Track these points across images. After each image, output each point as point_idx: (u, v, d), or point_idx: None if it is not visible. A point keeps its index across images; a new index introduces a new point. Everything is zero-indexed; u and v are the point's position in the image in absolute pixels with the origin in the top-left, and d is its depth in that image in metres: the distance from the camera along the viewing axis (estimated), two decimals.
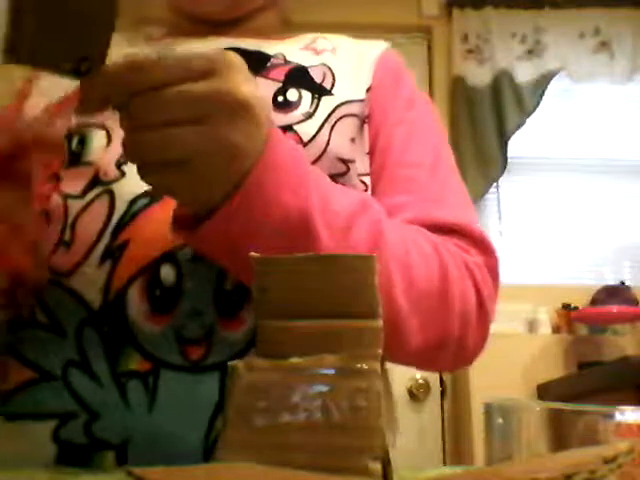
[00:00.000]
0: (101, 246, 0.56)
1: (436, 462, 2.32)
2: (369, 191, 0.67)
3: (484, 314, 0.61)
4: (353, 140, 0.66)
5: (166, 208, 0.54)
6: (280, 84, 0.66)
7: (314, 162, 0.62)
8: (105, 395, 0.53)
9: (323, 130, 0.63)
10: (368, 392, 0.29)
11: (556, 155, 2.74)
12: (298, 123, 0.63)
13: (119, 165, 0.59)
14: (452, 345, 0.59)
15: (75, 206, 0.58)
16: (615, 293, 2.40)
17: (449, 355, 0.60)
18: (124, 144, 0.45)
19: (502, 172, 2.59)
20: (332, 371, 0.30)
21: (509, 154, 2.59)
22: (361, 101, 0.68)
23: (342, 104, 0.66)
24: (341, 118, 0.65)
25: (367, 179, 0.67)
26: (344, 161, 0.64)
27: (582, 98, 2.79)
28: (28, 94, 0.69)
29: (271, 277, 0.32)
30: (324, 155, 0.62)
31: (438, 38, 2.80)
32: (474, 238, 0.63)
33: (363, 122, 0.68)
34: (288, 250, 0.39)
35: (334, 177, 0.63)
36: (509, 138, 2.60)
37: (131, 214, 0.57)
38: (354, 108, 0.67)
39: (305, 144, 0.62)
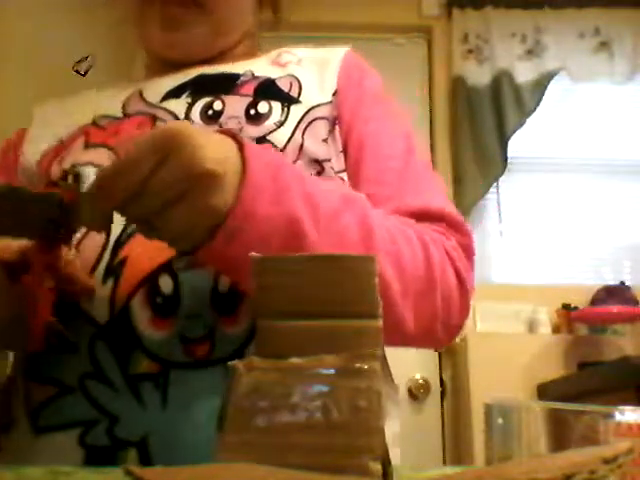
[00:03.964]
0: (103, 265, 0.60)
1: (436, 462, 2.32)
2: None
3: (464, 291, 0.64)
4: (325, 141, 0.70)
5: None
6: (250, 98, 0.70)
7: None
8: (121, 399, 0.57)
9: (295, 135, 0.68)
10: (368, 392, 0.29)
11: (556, 155, 2.74)
12: (271, 133, 0.68)
13: None
14: (439, 323, 0.62)
15: (77, 235, 0.61)
16: (615, 293, 2.40)
17: (438, 332, 0.63)
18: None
19: (502, 172, 2.59)
20: (332, 371, 0.30)
21: (509, 154, 2.59)
22: (329, 103, 0.72)
23: (311, 109, 0.70)
24: (312, 122, 0.70)
25: (344, 175, 0.70)
26: (319, 161, 0.68)
27: (582, 98, 2.79)
28: None
29: (271, 277, 0.32)
30: (299, 158, 0.67)
31: (438, 38, 2.80)
32: (449, 221, 0.67)
33: (334, 124, 0.72)
34: (283, 252, 0.44)
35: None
36: (509, 138, 2.60)
37: (127, 234, 0.61)
38: (323, 111, 0.71)
39: (280, 151, 0.66)
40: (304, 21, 2.76)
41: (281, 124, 0.68)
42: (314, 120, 0.70)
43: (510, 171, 2.62)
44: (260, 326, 0.33)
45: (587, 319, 2.39)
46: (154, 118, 0.70)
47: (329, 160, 0.68)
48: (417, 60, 2.81)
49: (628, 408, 0.36)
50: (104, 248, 0.61)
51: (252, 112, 0.69)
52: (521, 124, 2.62)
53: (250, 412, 0.30)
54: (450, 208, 0.69)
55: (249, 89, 0.72)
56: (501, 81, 2.66)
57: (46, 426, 0.57)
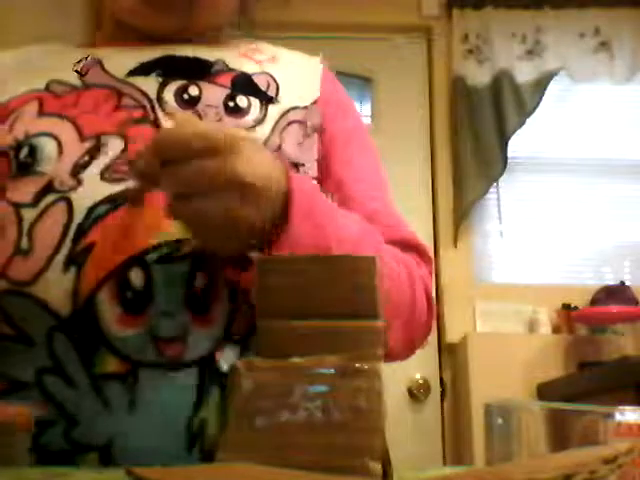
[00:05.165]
0: (64, 251, 0.56)
1: (436, 462, 2.32)
2: None
3: (431, 310, 0.70)
4: (300, 144, 0.69)
5: (129, 214, 0.57)
6: (228, 90, 0.68)
7: None
8: (83, 400, 0.53)
9: (273, 136, 0.66)
10: (368, 392, 0.29)
11: (556, 155, 2.74)
12: (249, 129, 0.66)
13: (75, 174, 0.59)
14: (416, 341, 0.70)
15: (29, 214, 0.57)
16: (615, 293, 2.40)
17: (414, 349, 0.71)
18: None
19: (502, 172, 2.59)
20: (332, 371, 0.30)
21: (509, 154, 2.59)
22: (305, 108, 0.71)
23: (288, 110, 0.69)
24: (289, 124, 0.69)
25: (314, 182, 0.70)
26: (295, 164, 0.67)
27: (582, 98, 2.79)
28: None
29: (272, 277, 0.32)
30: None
31: (438, 38, 2.80)
32: (420, 251, 0.72)
33: (314, 130, 0.71)
34: None
35: None
36: (509, 138, 2.60)
37: (92, 219, 0.57)
38: (299, 115, 0.70)
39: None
40: (304, 21, 2.76)
41: (259, 122, 0.67)
42: (291, 123, 0.69)
43: (510, 171, 2.62)
44: (260, 326, 0.33)
45: (587, 319, 2.39)
46: (119, 93, 0.66)
47: (303, 165, 0.68)
48: (417, 60, 2.81)
49: (628, 408, 0.36)
50: (65, 233, 0.56)
51: (231, 104, 0.67)
52: (521, 124, 2.62)
53: (250, 412, 0.30)
54: (418, 237, 0.74)
55: (225, 80, 0.70)
56: (501, 81, 2.66)
57: None
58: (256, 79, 0.71)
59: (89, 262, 0.55)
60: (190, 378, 0.54)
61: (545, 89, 2.67)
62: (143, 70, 0.69)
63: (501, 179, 2.61)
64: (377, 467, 0.28)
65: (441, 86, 2.75)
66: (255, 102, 0.68)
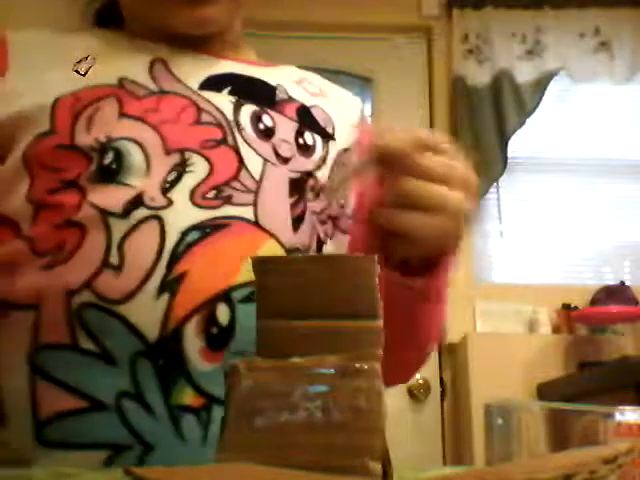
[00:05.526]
0: (157, 276, 0.54)
1: (436, 462, 2.32)
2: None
3: None
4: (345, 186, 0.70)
5: (217, 245, 0.57)
6: (297, 124, 0.67)
7: (324, 207, 0.66)
8: (160, 428, 0.53)
9: (331, 179, 0.67)
10: (368, 392, 0.29)
11: (556, 155, 2.74)
12: (317, 169, 0.66)
13: (164, 191, 0.58)
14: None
15: (119, 226, 0.56)
16: (615, 293, 2.40)
17: None
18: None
19: (502, 172, 2.59)
20: (332, 371, 0.30)
21: (509, 154, 2.59)
22: (348, 150, 0.70)
23: (342, 150, 0.69)
24: (341, 165, 0.68)
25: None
26: (341, 206, 0.69)
27: (582, 98, 2.79)
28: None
29: (271, 277, 0.32)
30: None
31: (438, 38, 2.80)
32: None
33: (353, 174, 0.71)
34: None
35: (334, 219, 0.68)
36: (509, 138, 2.60)
37: (185, 245, 0.56)
38: (347, 157, 0.70)
39: (320, 190, 0.65)
40: (304, 21, 2.76)
41: (323, 161, 0.67)
42: (344, 164, 0.68)
43: (510, 171, 2.62)
44: (260, 326, 0.33)
45: (587, 319, 2.39)
46: (197, 106, 0.63)
47: (346, 206, 0.69)
48: (417, 60, 2.81)
49: (628, 408, 0.36)
50: (158, 256, 0.55)
51: (301, 141, 0.66)
52: (521, 124, 2.62)
53: (250, 412, 0.30)
54: None
55: (291, 112, 0.68)
56: (501, 81, 2.66)
57: (61, 442, 0.52)
58: (314, 112, 0.70)
59: (181, 291, 0.55)
60: None
61: (545, 89, 2.67)
62: (214, 85, 0.66)
63: (501, 179, 2.61)
64: (377, 467, 0.28)
65: (441, 86, 2.75)
66: (318, 140, 0.68)
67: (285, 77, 0.72)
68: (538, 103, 2.65)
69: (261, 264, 0.33)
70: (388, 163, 0.52)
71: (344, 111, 0.74)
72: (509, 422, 0.37)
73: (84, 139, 0.59)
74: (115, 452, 0.52)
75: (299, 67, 0.78)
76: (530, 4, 2.77)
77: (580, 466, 0.25)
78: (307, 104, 0.70)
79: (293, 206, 0.63)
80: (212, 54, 0.70)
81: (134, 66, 0.65)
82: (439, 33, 2.81)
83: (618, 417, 0.35)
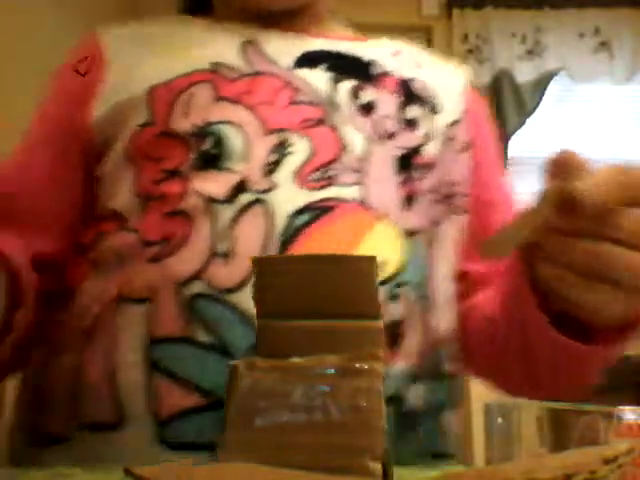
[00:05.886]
0: None
1: None
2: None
3: None
4: (455, 161, 0.65)
5: (326, 229, 0.54)
6: (399, 98, 0.64)
7: (434, 185, 0.62)
8: None
9: (442, 152, 0.63)
10: (368, 392, 0.29)
11: None
12: (422, 145, 0.62)
13: (266, 173, 0.56)
14: None
15: (225, 212, 0.54)
16: None
17: None
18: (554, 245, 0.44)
19: None
20: (332, 371, 0.30)
21: (509, 154, 2.59)
22: (458, 123, 0.67)
23: (450, 124, 0.65)
24: (451, 139, 0.65)
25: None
26: (453, 183, 0.64)
27: (582, 98, 2.79)
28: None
29: (271, 277, 0.32)
30: (441, 178, 0.63)
31: (438, 38, 2.80)
32: None
33: (465, 146, 0.67)
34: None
35: (447, 198, 0.64)
36: (509, 138, 2.60)
37: (293, 229, 0.53)
38: (455, 129, 0.66)
39: (428, 167, 0.62)
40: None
41: (429, 137, 0.63)
42: (453, 138, 0.65)
43: (510, 171, 2.62)
44: (260, 326, 0.33)
45: None
46: (292, 85, 0.62)
47: (459, 184, 0.65)
48: None
49: (628, 408, 0.36)
50: (267, 240, 0.52)
51: (405, 115, 0.63)
52: (521, 124, 2.62)
53: (250, 412, 0.30)
54: None
55: (391, 86, 0.64)
56: (501, 81, 2.66)
57: (182, 443, 0.49)
58: (415, 85, 0.66)
59: None
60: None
61: (545, 89, 2.67)
62: (308, 62, 0.64)
63: None
64: (377, 467, 0.28)
65: None
66: (422, 113, 0.64)
67: (381, 50, 0.68)
68: (538, 103, 2.65)
69: (261, 264, 0.33)
70: (578, 216, 0.41)
71: (447, 81, 0.70)
72: (509, 422, 0.37)
73: (182, 125, 0.58)
74: None
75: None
76: (530, 4, 2.77)
77: (580, 466, 0.25)
78: (406, 77, 0.66)
79: (401, 184, 0.60)
80: (302, 32, 0.68)
81: (226, 50, 0.64)
82: (439, 33, 2.81)
83: (618, 417, 0.35)
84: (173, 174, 0.57)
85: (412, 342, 0.55)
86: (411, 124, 0.63)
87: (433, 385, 0.56)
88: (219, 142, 0.57)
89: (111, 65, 0.64)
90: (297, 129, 0.59)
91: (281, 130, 0.58)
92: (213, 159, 0.57)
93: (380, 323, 0.31)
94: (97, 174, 0.62)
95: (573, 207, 0.41)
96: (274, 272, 0.32)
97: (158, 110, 0.60)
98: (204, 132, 0.58)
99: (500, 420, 0.37)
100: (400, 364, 0.53)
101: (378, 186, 0.58)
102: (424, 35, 2.85)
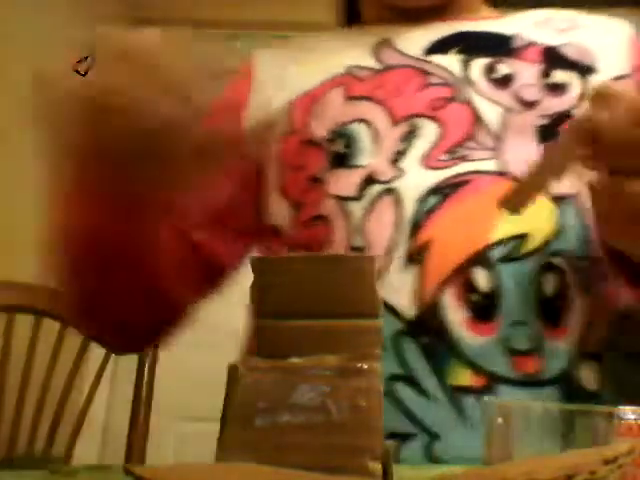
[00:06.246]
0: (400, 249, 0.52)
1: None
2: None
3: None
4: None
5: (460, 206, 0.52)
6: (541, 66, 0.62)
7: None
8: (441, 413, 0.48)
9: None
10: (368, 392, 0.29)
11: None
12: (574, 108, 0.59)
13: (394, 162, 0.56)
14: None
15: (355, 208, 0.55)
16: None
17: None
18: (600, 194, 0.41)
19: None
20: (332, 371, 0.30)
21: None
22: (621, 78, 0.63)
23: (613, 80, 0.62)
24: None
25: None
26: None
27: None
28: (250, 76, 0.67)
29: (271, 277, 0.32)
30: None
31: None
32: None
33: None
34: None
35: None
36: None
37: (424, 212, 0.53)
38: (624, 85, 0.61)
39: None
40: (305, 21, 2.76)
41: (582, 98, 0.59)
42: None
43: None
44: (260, 326, 0.33)
45: None
46: (423, 72, 0.62)
47: None
48: None
49: (628, 408, 0.36)
50: (397, 228, 0.52)
51: (549, 81, 0.61)
52: None
53: (250, 412, 0.30)
54: None
55: (533, 55, 0.63)
56: None
57: None
58: (564, 49, 0.64)
59: (429, 261, 0.51)
60: (550, 398, 0.48)
61: None
62: (440, 48, 0.64)
63: None
64: (377, 467, 0.28)
65: None
66: (573, 76, 0.62)
67: (524, 23, 0.68)
68: None
69: (261, 264, 0.33)
70: (602, 149, 0.40)
71: (608, 37, 0.68)
72: (509, 422, 0.37)
73: (318, 131, 0.60)
74: (402, 441, 0.47)
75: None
76: (530, 4, 2.77)
77: (580, 466, 0.25)
78: (554, 43, 0.65)
79: None
80: (438, 21, 0.67)
81: (360, 52, 0.65)
82: None
83: (618, 417, 0.35)
84: (314, 180, 0.58)
85: (575, 316, 0.51)
86: (557, 89, 0.60)
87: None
88: (350, 141, 0.58)
89: (260, 83, 0.67)
90: (425, 113, 0.58)
91: (410, 117, 0.58)
92: (344, 159, 0.58)
93: (379, 323, 0.31)
94: (258, 187, 0.64)
95: (593, 139, 0.39)
96: (274, 272, 0.32)
97: (297, 119, 0.62)
98: (336, 134, 0.59)
99: (500, 420, 0.37)
100: (565, 341, 0.50)
101: (518, 155, 0.56)
102: None
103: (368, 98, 0.61)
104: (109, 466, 0.51)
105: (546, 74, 0.61)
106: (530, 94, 0.60)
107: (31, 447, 1.30)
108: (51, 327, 1.37)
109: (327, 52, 0.68)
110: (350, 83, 0.63)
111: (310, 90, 0.63)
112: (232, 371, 0.31)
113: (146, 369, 1.34)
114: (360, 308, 0.31)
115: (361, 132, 0.59)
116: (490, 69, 0.62)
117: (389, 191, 0.55)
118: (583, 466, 0.25)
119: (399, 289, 0.51)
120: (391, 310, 0.50)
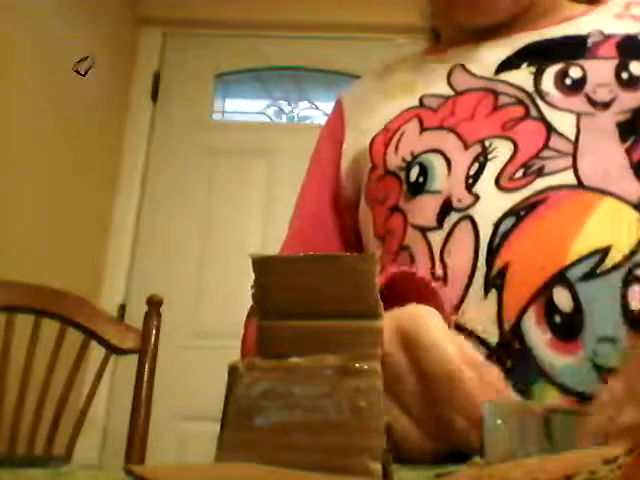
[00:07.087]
0: (479, 276, 0.52)
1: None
2: None
3: None
4: None
5: (536, 226, 0.52)
6: (617, 60, 0.60)
7: None
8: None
9: None
10: (368, 392, 0.29)
11: None
12: None
13: (469, 187, 0.56)
14: None
15: (436, 238, 0.55)
16: None
17: None
18: None
19: None
20: (332, 371, 0.30)
21: None
22: None
23: None
24: None
25: None
26: None
27: None
28: None
29: (271, 277, 0.32)
30: None
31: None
32: None
33: None
34: None
35: None
36: None
37: (500, 236, 0.53)
38: None
39: None
40: (305, 21, 2.76)
41: None
42: None
43: None
44: (260, 326, 0.33)
45: None
46: (494, 92, 0.62)
47: None
48: None
49: None
50: (476, 253, 0.53)
51: (624, 76, 0.59)
52: None
53: (250, 412, 0.30)
54: None
55: (608, 49, 0.61)
56: None
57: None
58: None
59: (508, 285, 0.51)
60: None
61: None
62: (511, 64, 0.64)
63: None
64: (377, 467, 0.28)
65: None
66: None
67: (601, 17, 0.66)
68: None
69: (261, 264, 0.33)
70: None
71: None
72: (509, 422, 0.37)
73: (394, 163, 0.62)
74: None
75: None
76: None
77: (580, 466, 0.25)
78: (633, 32, 0.62)
79: (630, 151, 0.55)
80: (512, 34, 0.67)
81: (434, 80, 0.67)
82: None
83: None
84: (394, 211, 0.60)
85: None
86: (633, 82, 0.58)
87: None
88: (423, 170, 0.59)
89: (349, 125, 0.71)
90: (497, 134, 0.58)
91: (481, 140, 0.59)
92: (419, 187, 0.59)
93: (380, 323, 0.31)
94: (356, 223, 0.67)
95: None
96: (274, 272, 0.32)
97: (376, 154, 0.64)
98: (411, 165, 0.60)
99: (500, 420, 0.37)
100: None
101: (597, 162, 0.55)
102: (426, 36, 2.84)
103: (440, 127, 0.62)
104: (109, 466, 0.52)
105: (622, 68, 0.59)
106: (603, 94, 0.59)
107: (31, 447, 1.31)
108: (51, 327, 1.37)
109: (403, 85, 0.70)
110: (424, 114, 0.64)
111: (387, 125, 0.66)
112: (232, 371, 0.31)
113: (146, 369, 1.34)
114: (360, 308, 0.31)
115: (434, 160, 0.60)
116: (562, 76, 0.61)
117: (467, 218, 0.55)
118: (583, 466, 0.25)
119: (481, 316, 0.51)
120: (474, 337, 0.50)
